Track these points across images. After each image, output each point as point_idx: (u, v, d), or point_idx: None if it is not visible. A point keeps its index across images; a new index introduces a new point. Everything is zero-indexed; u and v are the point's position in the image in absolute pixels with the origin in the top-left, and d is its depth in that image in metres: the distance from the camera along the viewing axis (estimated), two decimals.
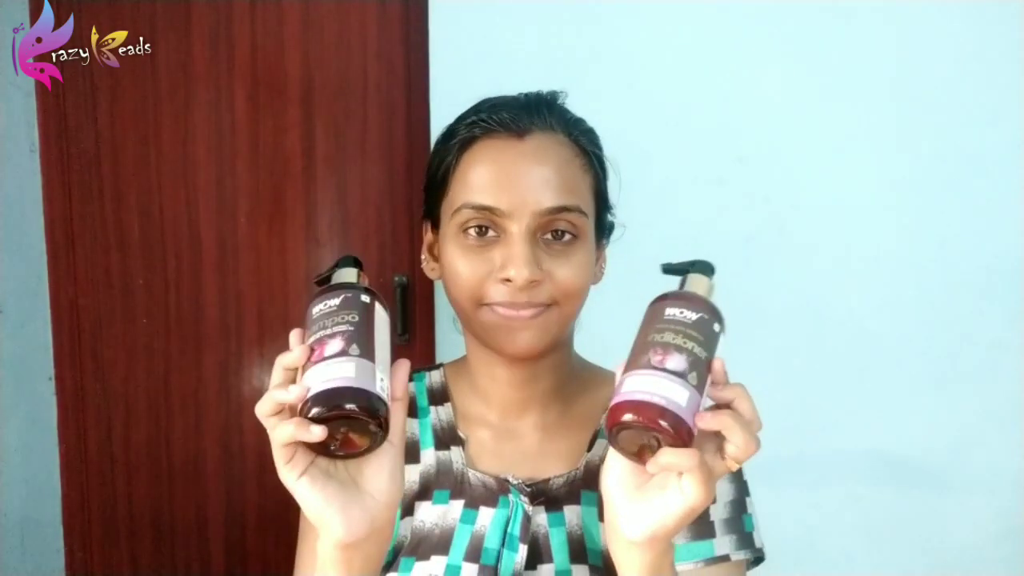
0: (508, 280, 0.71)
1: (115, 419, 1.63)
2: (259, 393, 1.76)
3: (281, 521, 1.56)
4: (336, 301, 0.63)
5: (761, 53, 1.38)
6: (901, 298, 1.39)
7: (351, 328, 0.61)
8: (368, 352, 0.61)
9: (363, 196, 1.56)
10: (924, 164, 1.38)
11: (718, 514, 0.76)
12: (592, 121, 0.82)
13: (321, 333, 0.62)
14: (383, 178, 1.56)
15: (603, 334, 0.83)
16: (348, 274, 0.68)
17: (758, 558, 0.78)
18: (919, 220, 1.38)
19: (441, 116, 1.40)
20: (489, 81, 1.37)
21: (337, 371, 0.59)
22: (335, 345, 0.60)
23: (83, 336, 1.63)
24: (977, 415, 1.39)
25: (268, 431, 0.61)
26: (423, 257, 0.84)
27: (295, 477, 0.60)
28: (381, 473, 0.63)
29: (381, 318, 0.64)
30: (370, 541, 0.63)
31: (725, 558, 0.75)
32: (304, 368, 0.61)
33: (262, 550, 1.60)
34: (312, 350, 0.61)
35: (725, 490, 0.77)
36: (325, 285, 0.67)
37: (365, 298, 0.64)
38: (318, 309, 0.64)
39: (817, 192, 1.39)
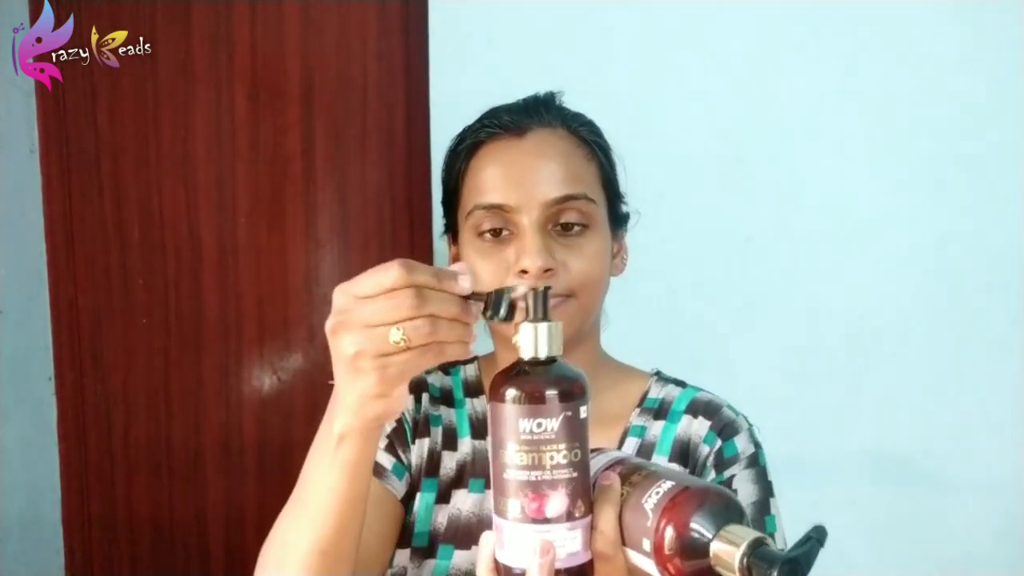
0: (524, 272, 0.72)
1: (115, 419, 1.63)
2: (259, 393, 1.76)
3: None
4: (555, 424, 0.51)
5: (761, 53, 1.38)
6: (901, 297, 1.39)
7: (575, 475, 0.52)
8: (588, 503, 0.53)
9: (363, 196, 1.56)
10: (924, 164, 1.38)
11: None
12: None
13: (537, 476, 0.51)
14: (383, 178, 1.56)
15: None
16: (555, 342, 0.54)
17: None
18: (919, 219, 1.38)
19: (441, 116, 1.41)
20: (489, 81, 1.37)
21: (562, 547, 0.51)
22: (557, 503, 0.51)
23: (83, 336, 1.63)
24: (977, 415, 1.39)
25: (416, 340, 0.50)
26: None
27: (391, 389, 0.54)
28: None
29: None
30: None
31: None
32: (504, 509, 0.53)
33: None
34: (523, 492, 0.51)
35: (749, 491, 0.77)
36: (536, 374, 0.53)
37: (584, 411, 0.53)
38: (527, 426, 0.51)
39: (817, 192, 1.39)
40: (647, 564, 0.52)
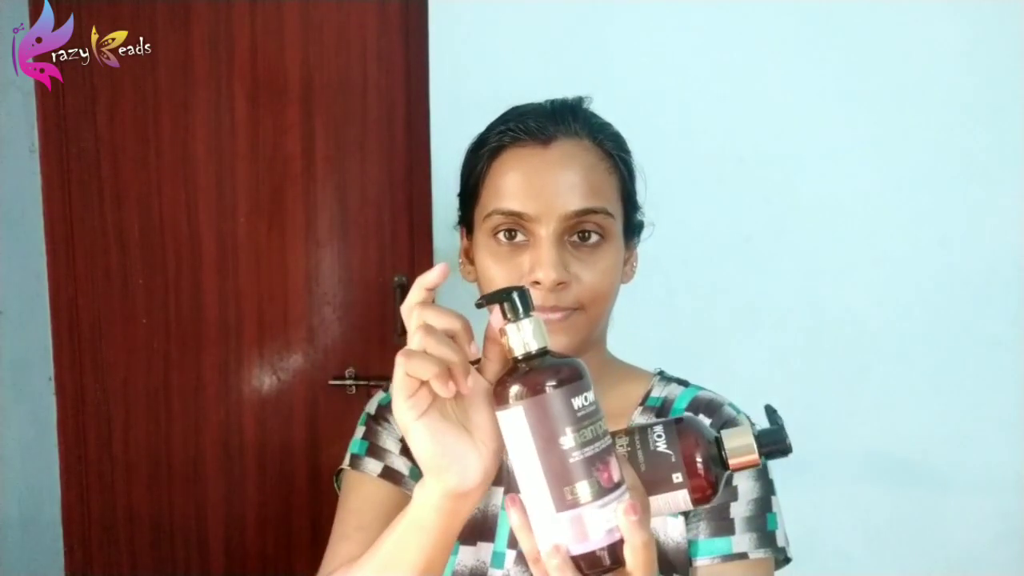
0: (537, 283, 0.73)
1: (115, 419, 1.63)
2: (259, 393, 1.76)
3: (281, 521, 1.56)
4: (593, 396, 0.55)
5: (761, 54, 1.38)
6: (901, 298, 1.39)
7: (611, 441, 0.55)
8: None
9: (363, 196, 1.56)
10: (924, 164, 1.38)
11: (739, 511, 0.76)
12: None
13: (597, 448, 0.53)
14: (383, 178, 1.56)
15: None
16: (542, 334, 0.57)
17: (784, 559, 0.78)
18: (919, 220, 1.38)
19: (441, 116, 1.41)
20: (489, 81, 1.38)
21: (614, 518, 0.53)
22: (615, 466, 0.54)
23: (83, 336, 1.63)
24: (977, 415, 1.39)
25: (405, 357, 0.55)
26: (459, 261, 0.86)
27: (414, 417, 0.56)
28: (489, 419, 0.59)
29: None
30: (479, 490, 0.60)
31: (743, 556, 0.75)
32: (576, 497, 0.53)
33: (262, 550, 1.60)
34: (593, 466, 0.53)
35: (749, 487, 0.77)
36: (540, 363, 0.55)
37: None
38: (579, 403, 0.54)
39: (817, 192, 1.39)
40: (675, 498, 0.59)
